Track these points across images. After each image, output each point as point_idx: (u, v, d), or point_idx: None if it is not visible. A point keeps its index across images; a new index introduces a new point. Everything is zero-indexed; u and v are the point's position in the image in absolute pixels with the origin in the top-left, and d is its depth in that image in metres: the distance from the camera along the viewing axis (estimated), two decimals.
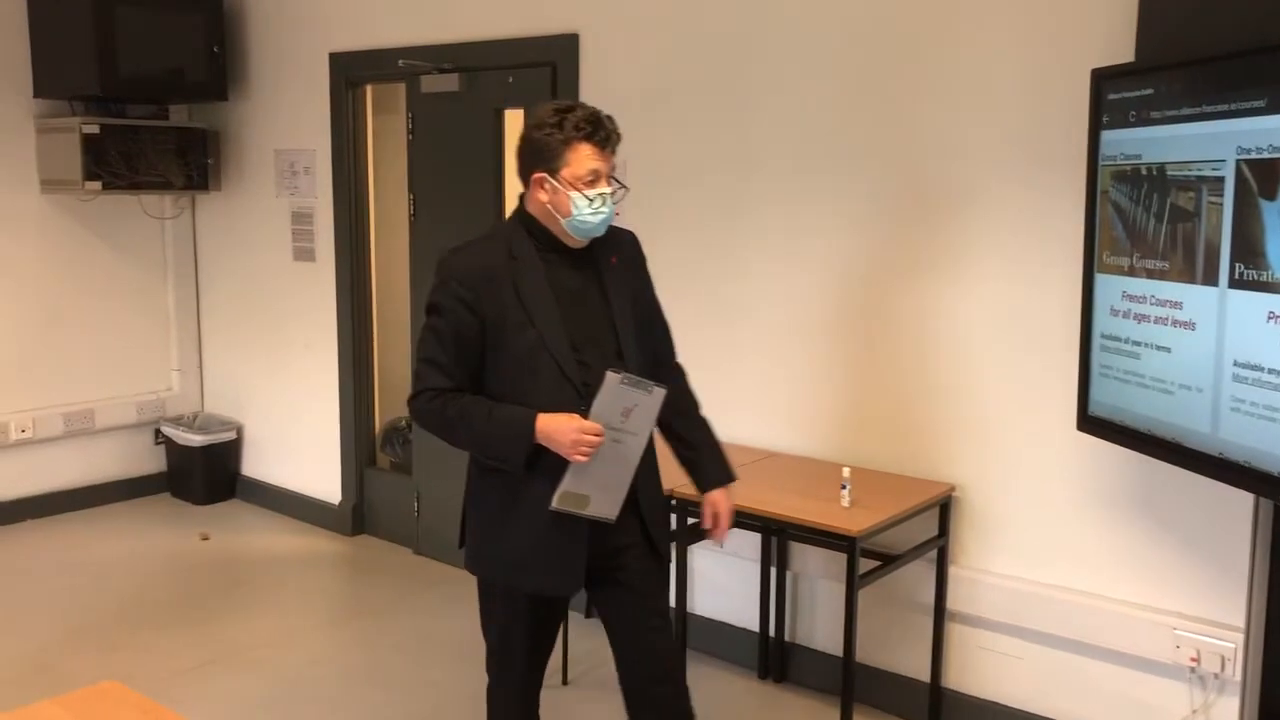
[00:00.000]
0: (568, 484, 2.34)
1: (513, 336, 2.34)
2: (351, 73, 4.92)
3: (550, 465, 2.33)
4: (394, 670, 3.86)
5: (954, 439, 3.40)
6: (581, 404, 2.32)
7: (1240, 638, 2.75)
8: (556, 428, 2.29)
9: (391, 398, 5.18)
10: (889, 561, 3.25)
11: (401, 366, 5.04)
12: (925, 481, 3.40)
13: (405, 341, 4.96)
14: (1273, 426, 2.25)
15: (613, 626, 2.55)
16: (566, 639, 3.69)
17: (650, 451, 2.48)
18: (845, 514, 3.08)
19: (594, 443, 2.29)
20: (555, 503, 2.34)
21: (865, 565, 3.17)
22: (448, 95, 4.49)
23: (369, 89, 5.06)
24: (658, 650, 2.54)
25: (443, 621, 4.19)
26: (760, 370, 3.78)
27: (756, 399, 3.78)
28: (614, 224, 2.43)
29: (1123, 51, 2.85)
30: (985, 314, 3.30)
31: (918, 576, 3.45)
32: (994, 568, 3.36)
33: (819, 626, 3.77)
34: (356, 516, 5.21)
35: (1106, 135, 2.74)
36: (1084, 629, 3.17)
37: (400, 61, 4.52)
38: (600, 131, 2.31)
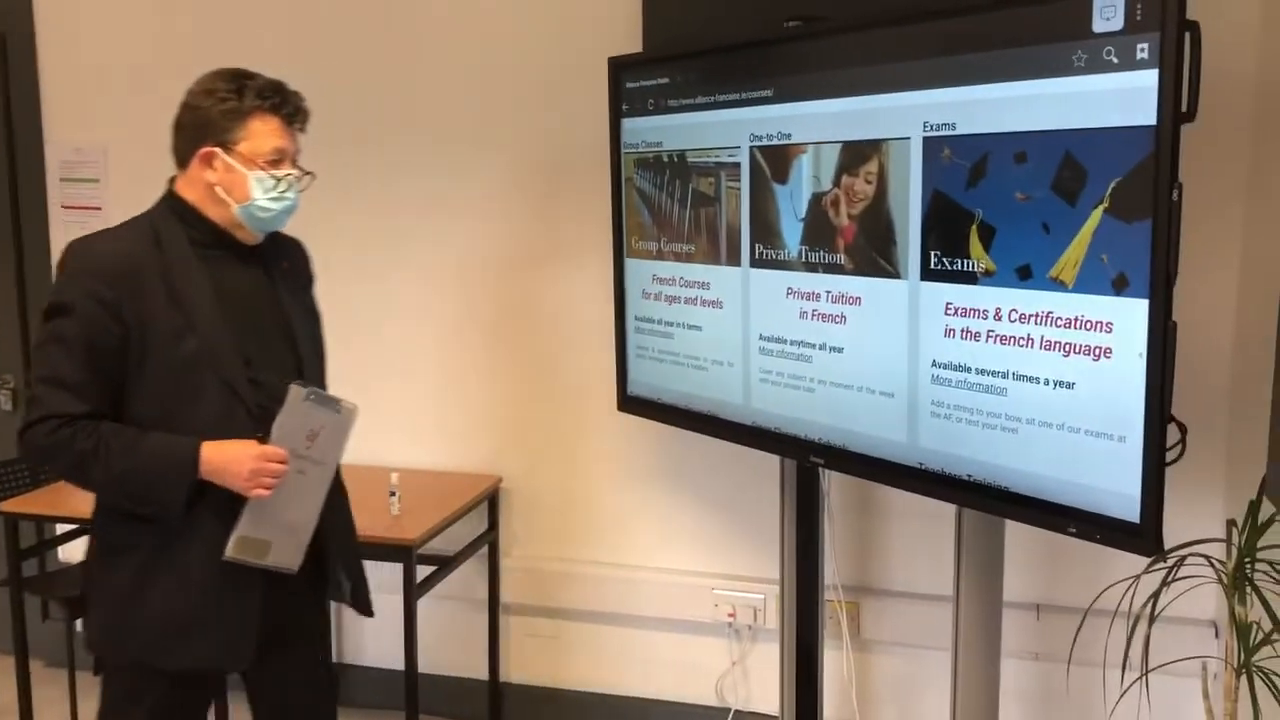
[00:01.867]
0: (245, 526, 1.91)
1: (165, 347, 1.88)
2: None
3: (214, 505, 1.90)
4: None
5: (499, 431, 3.35)
6: (257, 431, 1.92)
7: (773, 589, 2.97)
8: (231, 457, 1.88)
9: None
10: (444, 565, 3.13)
11: None
12: (472, 476, 3.33)
13: None
14: (795, 394, 2.43)
15: (263, 695, 2.16)
16: None
17: (338, 485, 2.11)
18: (396, 522, 2.92)
19: (278, 471, 1.90)
20: (230, 551, 1.90)
21: (420, 572, 3.03)
22: None
23: None
24: None
25: None
26: None
27: None
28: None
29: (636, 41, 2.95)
30: (526, 301, 3.28)
31: (469, 574, 3.37)
32: (544, 553, 3.37)
33: (369, 642, 3.57)
34: None
35: (627, 123, 2.81)
36: (631, 602, 3.28)
37: None
38: (288, 104, 1.97)
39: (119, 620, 1.98)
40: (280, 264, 2.10)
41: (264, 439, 1.93)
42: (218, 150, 1.94)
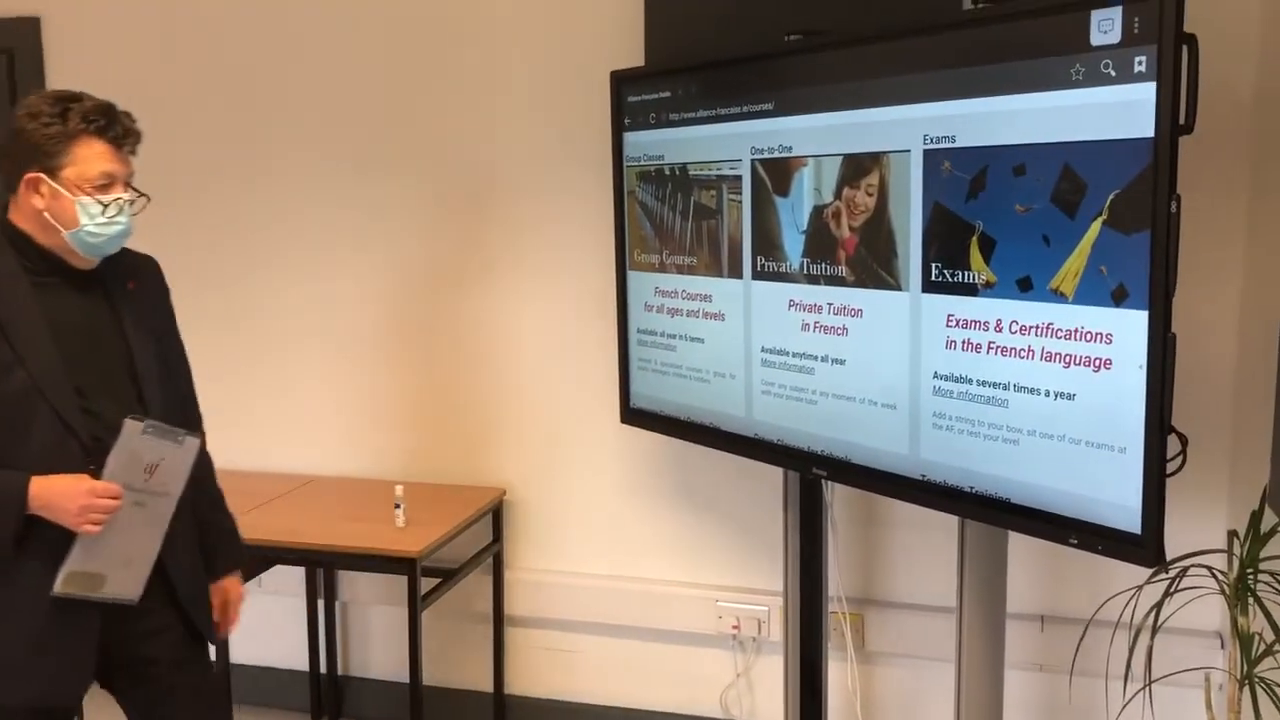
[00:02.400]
0: (75, 561, 1.89)
1: None
2: None
3: (46, 539, 1.88)
4: None
5: (505, 444, 3.36)
6: (90, 463, 1.90)
7: (777, 601, 2.97)
8: (59, 491, 1.85)
9: None
10: (448, 577, 3.14)
11: None
12: (476, 489, 3.33)
13: None
14: (797, 406, 2.44)
15: None
16: None
17: (185, 512, 2.08)
18: (401, 534, 2.93)
19: (109, 507, 1.88)
20: (58, 587, 1.89)
21: (427, 585, 3.04)
22: None
23: None
24: None
25: None
26: (297, 391, 3.49)
27: (284, 420, 3.49)
28: (130, 246, 2.06)
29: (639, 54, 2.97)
30: (532, 315, 3.29)
31: (474, 586, 3.38)
32: (549, 566, 3.37)
33: (374, 654, 3.57)
34: None
35: (629, 136, 2.82)
36: (636, 614, 3.28)
37: None
38: (115, 127, 1.93)
39: None
40: (124, 285, 2.06)
41: (96, 473, 1.89)
42: (43, 176, 1.90)
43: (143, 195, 1.99)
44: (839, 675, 3.01)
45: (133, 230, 2.00)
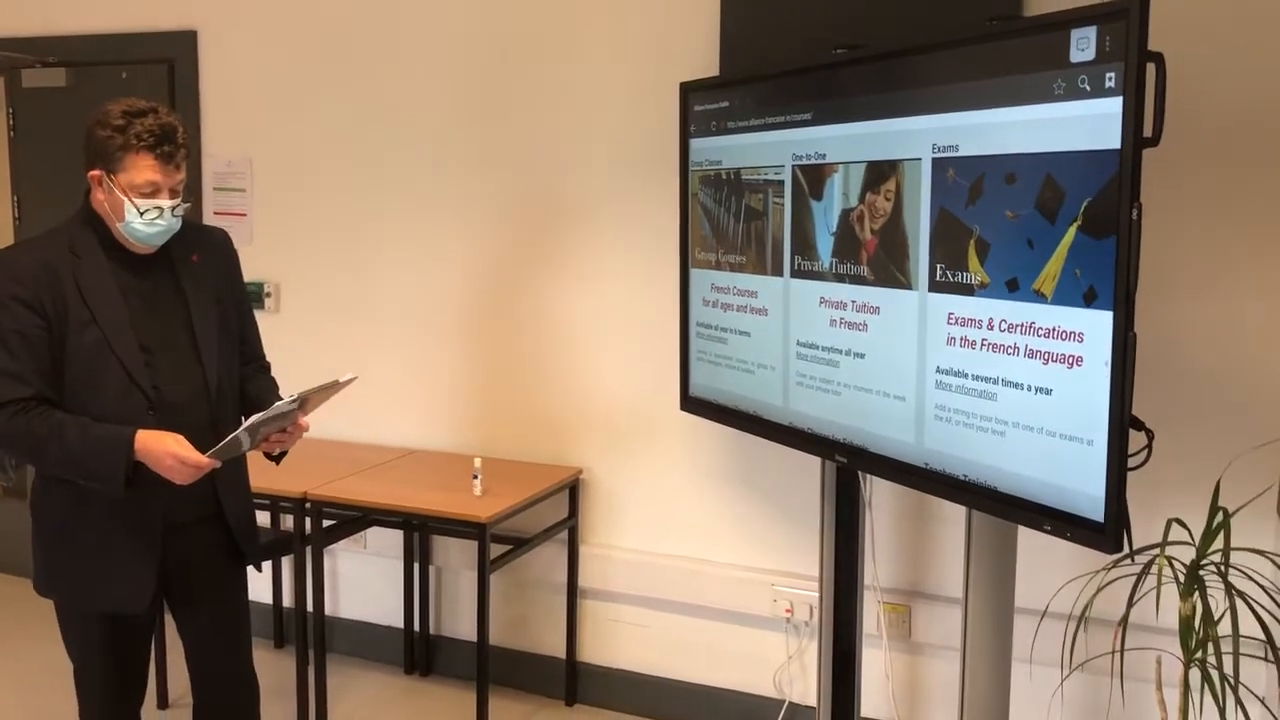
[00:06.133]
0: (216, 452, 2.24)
1: (75, 336, 2.21)
2: None
3: (140, 480, 2.22)
4: (9, 709, 3.57)
5: (581, 426, 3.62)
6: (150, 410, 2.25)
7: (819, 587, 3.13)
8: (158, 450, 2.18)
9: None
10: (520, 545, 3.41)
11: None
12: (555, 467, 3.60)
13: None
14: (825, 396, 2.60)
15: (185, 644, 2.51)
16: (164, 658, 3.57)
17: (240, 459, 2.44)
18: (477, 502, 3.21)
19: (194, 475, 2.21)
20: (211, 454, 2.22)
21: (498, 551, 3.32)
22: (54, 91, 4.21)
23: None
24: (227, 677, 2.52)
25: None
26: (396, 369, 3.84)
27: (393, 397, 3.84)
28: (210, 223, 2.39)
29: (715, 67, 3.18)
30: (605, 309, 3.54)
31: (552, 558, 3.64)
32: (620, 543, 3.61)
33: (462, 617, 3.88)
34: None
35: (694, 143, 3.04)
36: (698, 593, 3.48)
37: None
38: (166, 145, 2.22)
39: (48, 568, 2.35)
40: (188, 258, 2.38)
41: (198, 443, 2.20)
42: (103, 174, 2.23)
43: (186, 202, 2.31)
44: (883, 664, 3.14)
45: (176, 227, 2.31)
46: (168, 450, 2.18)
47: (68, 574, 2.33)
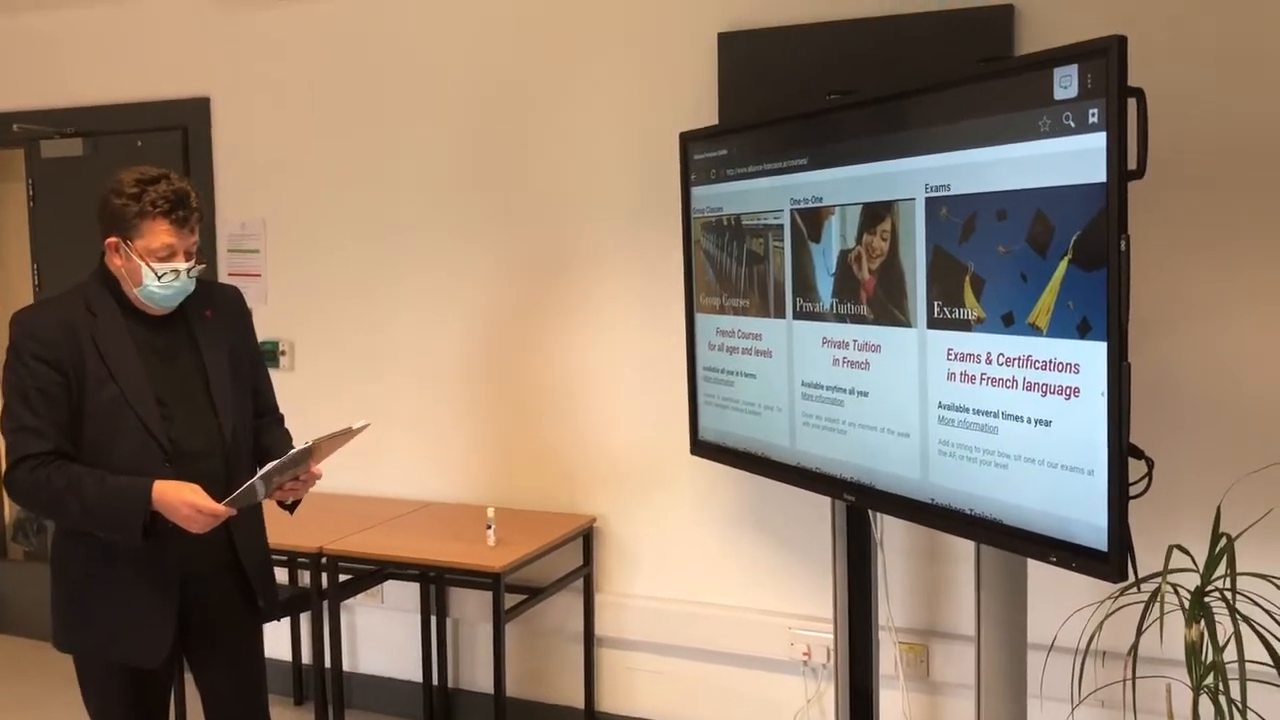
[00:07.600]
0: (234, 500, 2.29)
1: (93, 393, 2.28)
2: None
3: (157, 530, 2.26)
4: None
5: (593, 473, 3.64)
6: (166, 462, 2.30)
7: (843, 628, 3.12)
8: (173, 499, 2.23)
9: None
10: (535, 594, 3.42)
11: None
12: (569, 515, 3.62)
13: None
14: (831, 435, 2.62)
15: (203, 697, 2.53)
16: (185, 713, 3.59)
17: (257, 510, 2.49)
18: (491, 552, 3.23)
19: (211, 523, 2.25)
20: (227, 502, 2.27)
21: (513, 600, 3.33)
22: (72, 160, 4.32)
23: None
24: None
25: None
26: (409, 423, 3.88)
27: (406, 451, 3.88)
28: (223, 281, 2.44)
29: (714, 114, 3.24)
30: (613, 357, 3.58)
31: (567, 607, 3.65)
32: (635, 590, 3.61)
33: (480, 669, 3.88)
34: None
35: (695, 190, 3.09)
36: (715, 638, 3.48)
37: (15, 126, 4.31)
38: (180, 210, 2.29)
39: (67, 622, 2.39)
40: (202, 314, 2.45)
41: (214, 491, 2.25)
42: (120, 241, 2.30)
43: (201, 264, 2.38)
44: (901, 704, 3.12)
45: (191, 288, 2.38)
46: (184, 499, 2.22)
47: (86, 627, 2.36)
